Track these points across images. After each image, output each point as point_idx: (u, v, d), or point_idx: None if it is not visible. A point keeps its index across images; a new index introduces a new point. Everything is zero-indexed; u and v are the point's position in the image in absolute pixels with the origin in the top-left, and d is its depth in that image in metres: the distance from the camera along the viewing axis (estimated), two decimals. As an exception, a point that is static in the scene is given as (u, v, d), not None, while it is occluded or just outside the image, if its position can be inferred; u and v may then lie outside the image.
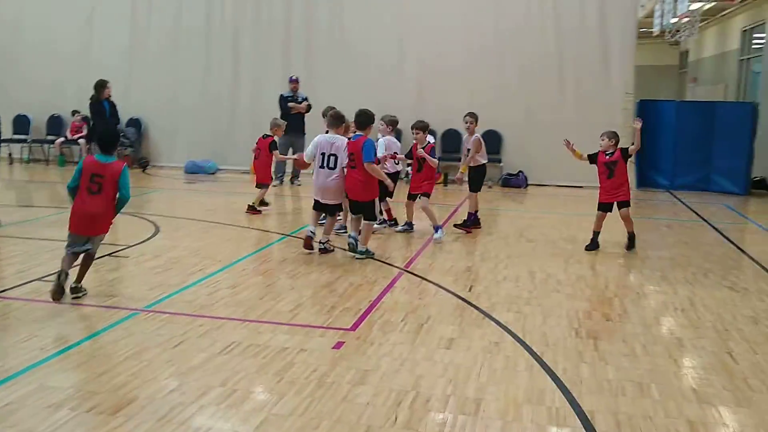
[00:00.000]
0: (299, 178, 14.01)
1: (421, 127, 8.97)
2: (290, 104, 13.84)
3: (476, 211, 9.56)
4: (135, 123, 15.91)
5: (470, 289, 6.66)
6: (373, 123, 7.89)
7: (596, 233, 8.51)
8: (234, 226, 9.49)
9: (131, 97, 15.40)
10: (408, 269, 7.37)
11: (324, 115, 9.01)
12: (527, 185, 14.24)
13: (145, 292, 6.30)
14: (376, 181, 7.78)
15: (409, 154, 9.07)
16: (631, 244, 8.48)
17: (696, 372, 4.83)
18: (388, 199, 9.28)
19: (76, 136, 15.75)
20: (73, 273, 6.03)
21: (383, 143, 8.97)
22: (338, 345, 5.10)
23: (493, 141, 14.47)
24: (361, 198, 7.75)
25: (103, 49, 16.01)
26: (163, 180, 14.24)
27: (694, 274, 7.47)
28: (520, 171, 14.38)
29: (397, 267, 7.43)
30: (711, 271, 7.66)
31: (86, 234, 5.99)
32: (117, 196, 6.01)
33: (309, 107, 13.91)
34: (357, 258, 7.70)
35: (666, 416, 4.12)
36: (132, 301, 6.05)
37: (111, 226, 6.21)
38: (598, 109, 14.06)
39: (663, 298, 6.62)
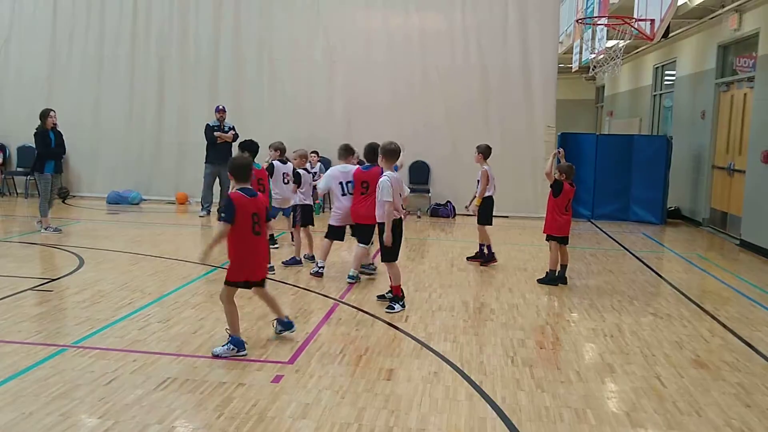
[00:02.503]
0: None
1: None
2: (216, 133, 13.68)
3: (488, 245, 9.49)
4: (54, 152, 15.39)
5: (406, 320, 6.70)
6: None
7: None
8: (161, 258, 9.27)
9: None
10: (343, 300, 7.35)
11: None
12: (455, 215, 14.46)
13: (73, 327, 6.08)
14: None
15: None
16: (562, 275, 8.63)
17: (628, 396, 4.98)
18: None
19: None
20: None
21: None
22: (277, 378, 5.04)
23: (421, 172, 14.89)
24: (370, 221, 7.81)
25: (21, 75, 15.61)
26: (84, 211, 13.79)
27: (620, 302, 7.72)
28: (448, 201, 14.62)
29: (332, 298, 7.40)
30: (635, 298, 7.93)
31: None
32: None
33: (236, 136, 13.78)
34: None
35: (603, 441, 4.23)
36: (59, 336, 5.83)
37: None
38: (522, 142, 14.58)
39: (592, 325, 6.81)
